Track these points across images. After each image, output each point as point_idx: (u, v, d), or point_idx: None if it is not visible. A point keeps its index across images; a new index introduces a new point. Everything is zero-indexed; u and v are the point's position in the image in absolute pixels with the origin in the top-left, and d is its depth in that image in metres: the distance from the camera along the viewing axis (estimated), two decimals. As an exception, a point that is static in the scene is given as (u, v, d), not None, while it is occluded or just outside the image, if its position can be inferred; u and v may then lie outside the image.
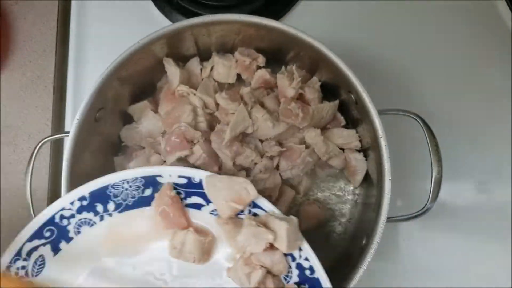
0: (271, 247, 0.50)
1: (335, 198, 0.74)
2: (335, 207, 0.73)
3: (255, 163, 0.69)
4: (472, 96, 0.81)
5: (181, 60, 0.72)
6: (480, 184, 0.79)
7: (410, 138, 0.72)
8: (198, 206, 0.54)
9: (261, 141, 0.69)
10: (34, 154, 0.64)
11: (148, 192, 0.54)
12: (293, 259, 0.52)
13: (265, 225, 0.50)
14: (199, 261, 0.53)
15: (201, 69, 0.72)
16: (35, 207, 0.63)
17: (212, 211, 0.54)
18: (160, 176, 0.53)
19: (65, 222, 0.53)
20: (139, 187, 0.54)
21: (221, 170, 0.68)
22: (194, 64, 0.72)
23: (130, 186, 0.54)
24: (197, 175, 0.53)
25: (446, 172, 0.62)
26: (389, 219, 0.59)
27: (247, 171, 0.69)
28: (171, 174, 0.53)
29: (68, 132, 0.62)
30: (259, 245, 0.50)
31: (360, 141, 0.71)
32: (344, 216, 0.73)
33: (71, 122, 0.62)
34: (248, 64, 0.71)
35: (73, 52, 0.83)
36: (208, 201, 0.54)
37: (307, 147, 0.69)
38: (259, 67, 0.72)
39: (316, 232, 0.72)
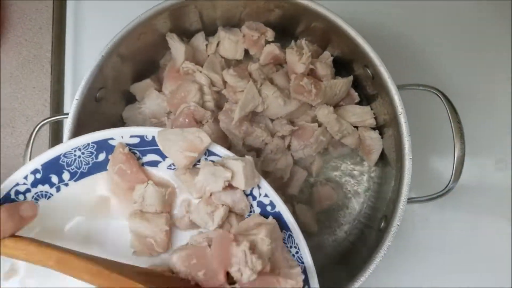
0: (230, 186, 0.51)
1: (349, 179, 0.71)
2: (349, 188, 0.70)
3: (266, 143, 0.66)
4: (490, 71, 0.77)
5: (185, 35, 0.68)
6: (497, 162, 0.76)
7: (428, 114, 0.69)
8: (155, 163, 0.53)
9: (272, 120, 0.66)
10: (33, 136, 0.61)
11: (102, 156, 0.52)
12: (254, 198, 0.52)
13: (222, 166, 0.50)
14: (160, 212, 0.52)
15: (206, 45, 0.68)
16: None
17: (169, 165, 0.53)
18: (112, 139, 0.52)
19: (21, 197, 0.51)
20: (92, 153, 0.52)
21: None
22: (199, 39, 0.68)
23: (83, 153, 0.52)
24: (149, 132, 0.52)
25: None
26: (410, 200, 0.56)
27: (257, 152, 0.66)
28: (122, 135, 0.52)
29: (67, 114, 0.59)
30: (218, 183, 0.49)
31: (375, 118, 0.67)
32: (358, 196, 0.70)
33: (71, 103, 0.59)
34: (256, 39, 0.67)
35: (70, 29, 0.79)
36: (164, 157, 0.52)
37: (319, 125, 0.66)
38: (267, 42, 0.68)
39: (329, 213, 0.70)
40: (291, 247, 0.51)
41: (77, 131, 0.59)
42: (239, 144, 0.64)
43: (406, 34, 0.77)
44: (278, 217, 0.51)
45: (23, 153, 0.69)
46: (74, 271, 0.44)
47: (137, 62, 0.67)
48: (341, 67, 0.68)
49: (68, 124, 0.59)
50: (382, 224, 0.58)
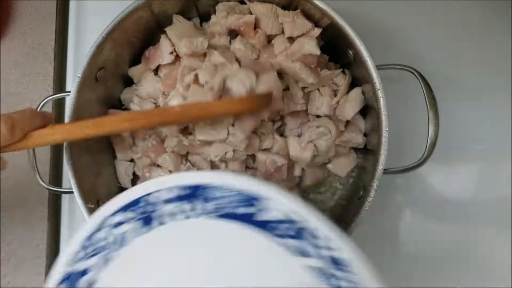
0: None
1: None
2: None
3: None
4: (473, 58, 0.80)
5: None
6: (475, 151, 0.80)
7: (407, 98, 0.73)
8: None
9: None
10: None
11: None
12: None
13: None
14: None
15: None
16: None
17: None
18: None
19: None
20: None
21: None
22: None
23: None
24: None
25: (442, 138, 0.61)
26: (386, 171, 0.59)
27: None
28: None
29: (69, 91, 0.63)
30: None
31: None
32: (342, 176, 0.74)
33: (72, 85, 0.63)
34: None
35: (73, 20, 0.83)
36: None
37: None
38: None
39: (316, 191, 0.74)
40: None
41: (78, 108, 0.63)
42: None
43: (388, 16, 0.80)
44: None
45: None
46: (112, 126, 0.53)
47: (135, 46, 0.71)
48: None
49: (70, 100, 0.62)
50: (362, 193, 0.62)
